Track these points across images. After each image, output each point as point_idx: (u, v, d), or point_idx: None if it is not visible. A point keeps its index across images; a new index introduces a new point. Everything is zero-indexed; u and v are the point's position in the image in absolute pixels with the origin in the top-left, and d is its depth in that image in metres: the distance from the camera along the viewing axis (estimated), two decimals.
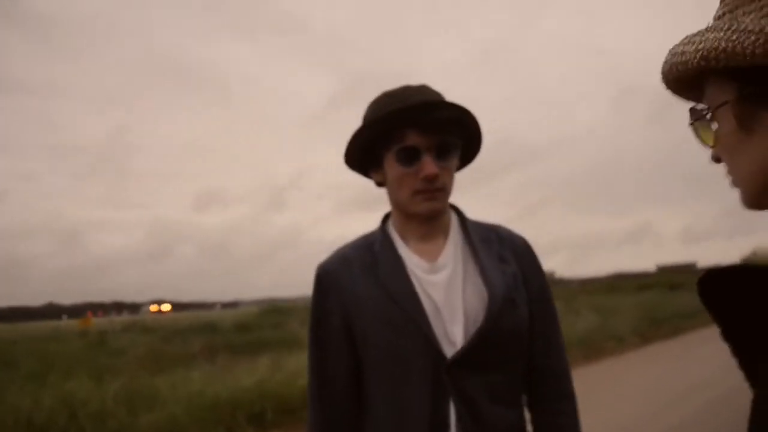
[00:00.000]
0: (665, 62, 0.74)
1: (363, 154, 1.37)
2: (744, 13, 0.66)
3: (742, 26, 0.64)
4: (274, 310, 25.33)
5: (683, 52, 0.69)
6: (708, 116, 0.73)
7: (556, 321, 1.43)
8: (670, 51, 0.73)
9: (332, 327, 1.35)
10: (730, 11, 0.68)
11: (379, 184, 1.42)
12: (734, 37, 0.64)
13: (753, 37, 0.62)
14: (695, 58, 0.67)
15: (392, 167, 1.33)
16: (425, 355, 1.26)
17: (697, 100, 0.77)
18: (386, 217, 1.45)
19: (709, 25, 0.69)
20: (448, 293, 1.31)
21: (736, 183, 0.73)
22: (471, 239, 1.39)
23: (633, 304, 17.11)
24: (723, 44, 0.64)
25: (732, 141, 0.70)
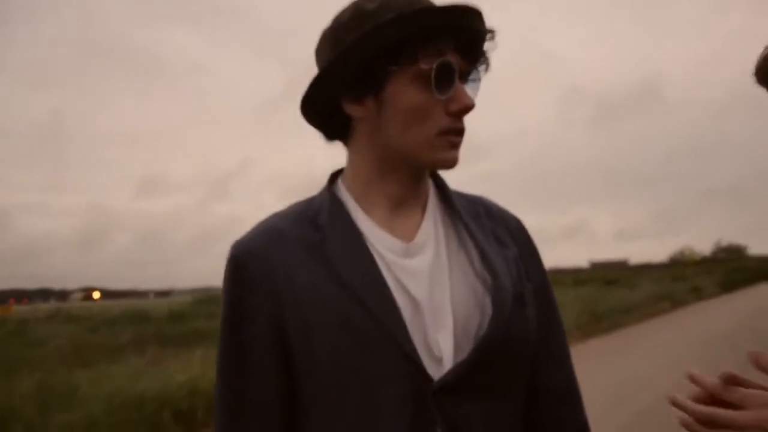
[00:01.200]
0: None
1: (353, 71, 0.94)
2: None
3: None
4: (209, 299, 24.57)
5: None
6: None
7: (562, 325, 1.08)
8: None
9: (258, 333, 0.94)
10: None
11: (338, 134, 1.03)
12: None
13: None
14: None
15: (410, 92, 0.92)
16: (401, 375, 0.88)
17: None
18: (334, 177, 1.06)
19: None
20: (431, 286, 0.93)
21: None
22: (456, 212, 1.02)
23: (571, 299, 17.22)
24: None
25: None
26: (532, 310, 0.99)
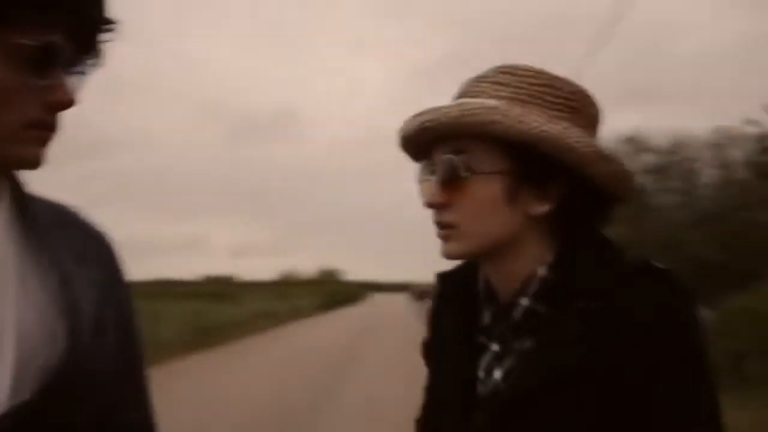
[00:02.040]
0: (445, 112, 0.85)
1: None
2: (555, 118, 0.85)
3: (568, 129, 0.83)
4: None
5: (497, 115, 0.82)
6: (467, 174, 0.86)
7: (143, 359, 1.00)
8: (460, 105, 0.86)
9: None
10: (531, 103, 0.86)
11: None
12: (571, 134, 0.83)
13: (584, 141, 0.83)
14: (530, 129, 0.82)
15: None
16: None
17: (418, 157, 0.94)
18: None
19: (504, 100, 0.86)
20: None
21: (460, 235, 0.88)
22: (33, 221, 0.87)
23: (180, 312, 16.89)
24: (560, 133, 0.82)
25: (488, 203, 0.86)
26: (113, 341, 0.89)
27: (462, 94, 0.92)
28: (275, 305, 27.61)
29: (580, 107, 0.89)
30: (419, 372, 1.02)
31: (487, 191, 0.86)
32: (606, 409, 0.80)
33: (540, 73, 0.89)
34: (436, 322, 1.02)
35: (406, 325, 24.70)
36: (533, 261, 0.89)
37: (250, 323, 19.70)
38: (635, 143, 17.03)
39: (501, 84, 0.88)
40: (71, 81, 0.83)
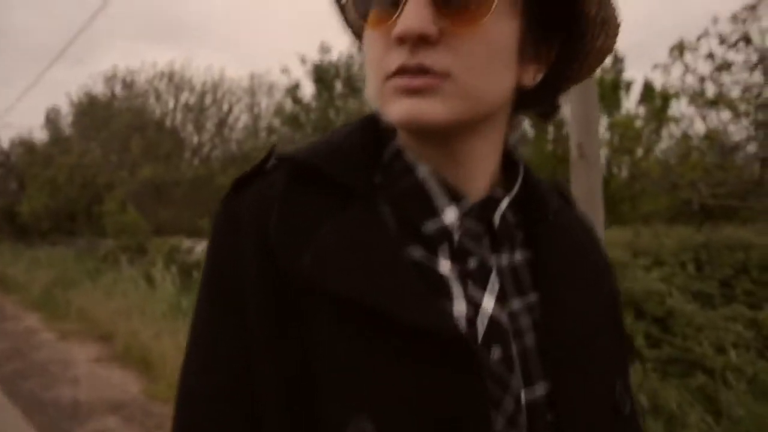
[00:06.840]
0: None
1: None
2: None
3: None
4: None
5: None
6: (486, 5, 0.60)
7: None
8: None
9: None
10: None
11: None
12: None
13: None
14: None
15: None
16: None
17: None
18: None
19: None
20: None
21: (450, 91, 0.58)
22: None
23: None
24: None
25: (499, 51, 0.60)
26: None
27: None
28: None
29: None
30: None
31: (502, 35, 0.59)
32: (611, 321, 0.73)
33: None
34: (295, 238, 0.59)
35: None
36: (494, 151, 0.66)
37: None
38: (174, 80, 16.90)
39: None
40: None
